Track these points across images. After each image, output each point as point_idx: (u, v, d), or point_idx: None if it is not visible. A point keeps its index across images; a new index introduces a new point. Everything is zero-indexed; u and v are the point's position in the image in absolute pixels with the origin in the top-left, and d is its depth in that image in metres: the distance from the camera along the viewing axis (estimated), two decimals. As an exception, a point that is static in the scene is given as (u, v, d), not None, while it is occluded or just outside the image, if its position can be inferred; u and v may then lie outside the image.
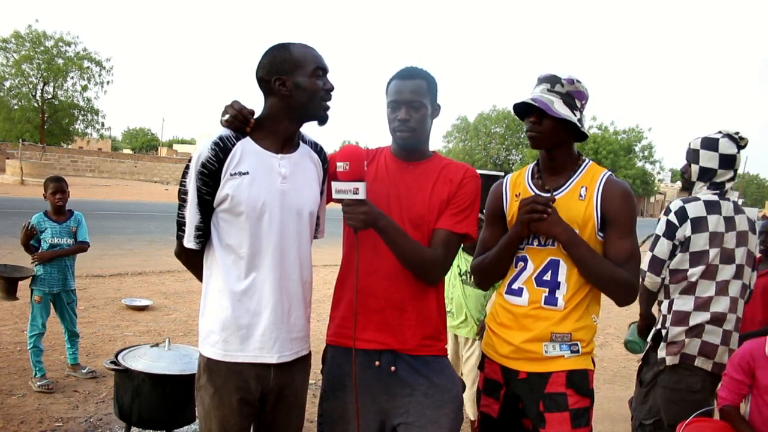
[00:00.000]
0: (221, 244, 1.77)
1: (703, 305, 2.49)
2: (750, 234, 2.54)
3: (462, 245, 2.27)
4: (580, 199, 1.87)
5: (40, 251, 3.98)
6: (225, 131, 1.77)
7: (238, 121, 1.77)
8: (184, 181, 1.76)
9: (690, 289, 2.50)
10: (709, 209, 2.48)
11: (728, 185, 2.57)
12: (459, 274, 3.39)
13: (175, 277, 7.90)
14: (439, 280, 1.91)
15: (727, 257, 2.49)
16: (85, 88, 34.16)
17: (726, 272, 2.50)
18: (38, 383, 3.85)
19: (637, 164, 48.64)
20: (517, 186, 2.01)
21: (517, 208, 1.90)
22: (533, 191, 1.95)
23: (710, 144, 2.55)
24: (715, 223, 2.47)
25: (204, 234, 1.77)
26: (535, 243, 1.90)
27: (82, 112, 35.11)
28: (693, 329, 2.50)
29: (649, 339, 2.63)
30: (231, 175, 1.72)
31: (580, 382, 1.85)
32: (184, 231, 1.77)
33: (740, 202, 2.71)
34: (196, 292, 6.12)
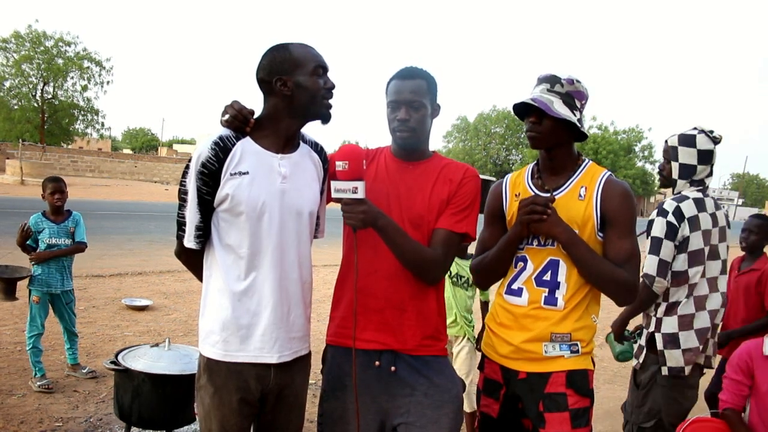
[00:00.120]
0: (221, 244, 1.77)
1: (701, 305, 2.51)
2: (727, 229, 2.60)
3: None
4: (579, 199, 1.87)
5: (37, 251, 3.98)
6: (225, 131, 1.77)
7: (238, 121, 1.77)
8: (184, 181, 1.76)
9: (691, 290, 2.50)
10: (699, 207, 2.50)
11: (707, 181, 2.61)
12: (449, 276, 3.40)
13: (175, 277, 7.90)
14: (439, 280, 1.91)
15: (714, 253, 2.53)
16: (85, 88, 34.15)
17: (714, 269, 2.54)
18: (38, 383, 3.85)
19: (637, 164, 48.67)
20: (517, 186, 2.01)
21: (516, 208, 1.90)
22: (533, 191, 1.95)
23: (688, 140, 2.58)
24: (704, 220, 2.50)
25: (204, 234, 1.77)
26: (535, 243, 1.90)
27: (82, 112, 35.08)
28: (699, 332, 2.50)
29: (642, 343, 2.61)
30: (231, 174, 1.72)
31: (580, 382, 1.85)
32: (184, 231, 1.77)
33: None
34: (196, 292, 6.11)
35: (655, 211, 2.54)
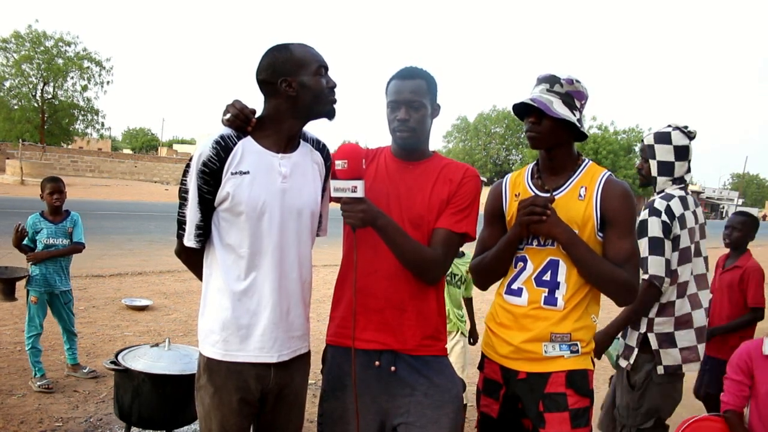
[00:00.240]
0: (221, 244, 1.77)
1: (696, 303, 2.54)
2: (704, 226, 2.64)
3: None
4: (579, 199, 1.87)
5: (35, 251, 3.98)
6: (226, 130, 1.77)
7: (240, 120, 1.77)
8: (185, 180, 1.76)
9: (682, 289, 2.52)
10: (684, 205, 2.53)
11: (687, 178, 2.64)
12: None
13: (175, 277, 7.90)
14: (438, 280, 1.91)
15: (698, 251, 2.57)
16: (85, 88, 34.14)
17: (701, 266, 2.57)
18: (38, 383, 3.85)
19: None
20: (517, 186, 2.01)
21: (516, 208, 1.90)
22: (533, 191, 1.95)
23: (663, 138, 2.61)
24: (690, 218, 2.53)
25: (204, 233, 1.77)
26: (535, 243, 1.90)
27: (82, 112, 35.06)
28: (698, 330, 2.52)
29: (632, 343, 2.60)
30: (232, 174, 1.72)
31: (580, 382, 1.85)
32: (184, 230, 1.77)
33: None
34: (196, 292, 6.11)
35: (646, 211, 2.55)
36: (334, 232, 2.03)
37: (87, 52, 33.91)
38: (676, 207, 2.49)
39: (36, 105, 33.03)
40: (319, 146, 1.94)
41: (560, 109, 1.84)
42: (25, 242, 3.96)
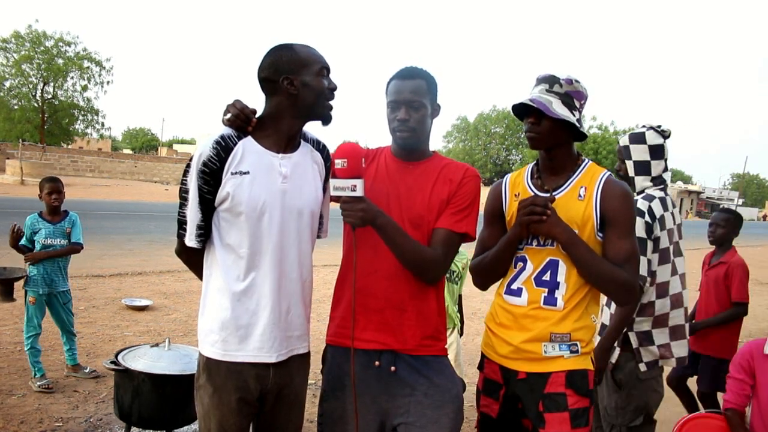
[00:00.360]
0: (222, 244, 1.77)
1: (678, 302, 2.58)
2: (681, 226, 2.68)
3: None
4: (579, 199, 1.87)
5: (33, 252, 3.97)
6: (227, 130, 1.77)
7: (240, 120, 1.77)
8: (186, 180, 1.76)
9: (662, 289, 2.55)
10: (664, 206, 2.55)
11: (665, 176, 2.67)
12: None
13: (175, 277, 7.90)
14: (438, 280, 1.91)
15: (678, 251, 2.61)
16: (85, 88, 34.15)
17: (682, 265, 2.61)
18: (38, 383, 3.85)
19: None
20: (517, 186, 2.01)
21: (516, 208, 1.90)
22: (532, 191, 1.95)
23: (637, 138, 2.66)
24: (668, 219, 2.56)
25: (205, 233, 1.77)
26: (535, 243, 1.90)
27: (82, 112, 35.06)
28: (673, 329, 2.58)
29: (615, 343, 2.61)
30: (232, 174, 1.72)
31: (580, 382, 1.85)
32: (185, 229, 1.77)
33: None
34: (196, 292, 6.10)
35: None
36: (334, 232, 2.03)
37: (87, 52, 33.96)
38: (657, 208, 2.52)
39: (36, 105, 33.04)
40: (319, 147, 1.94)
41: (559, 109, 1.84)
42: (23, 242, 3.95)
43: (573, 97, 1.88)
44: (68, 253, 4.10)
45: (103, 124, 37.03)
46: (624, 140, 2.70)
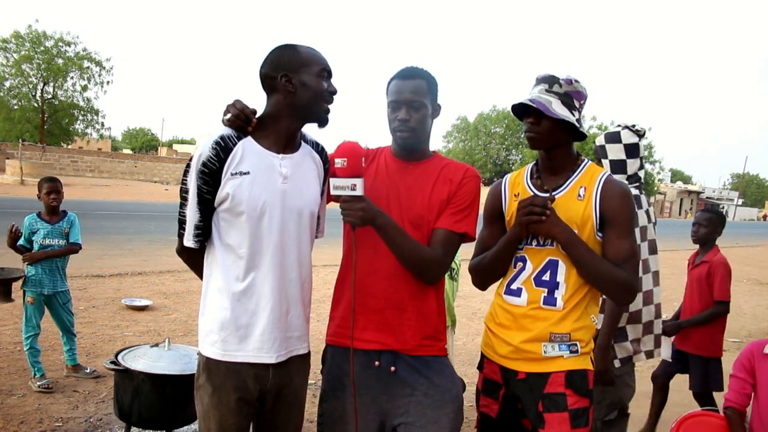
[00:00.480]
0: (221, 244, 1.77)
1: (648, 300, 2.64)
2: (655, 225, 2.73)
3: None
4: (578, 199, 1.87)
5: (31, 252, 3.96)
6: (226, 130, 1.77)
7: (240, 121, 1.77)
8: (186, 180, 1.76)
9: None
10: (638, 204, 2.58)
11: (640, 174, 2.71)
12: None
13: (175, 277, 7.90)
14: (438, 280, 1.91)
15: (653, 248, 2.66)
16: (85, 88, 34.09)
17: (655, 262, 2.66)
18: (38, 383, 3.85)
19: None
20: (516, 186, 2.01)
21: (515, 208, 1.90)
22: (532, 191, 1.95)
23: (613, 137, 2.71)
24: (642, 217, 2.60)
25: (203, 233, 1.77)
26: (534, 243, 1.90)
27: (82, 112, 35.01)
28: (646, 326, 2.65)
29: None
30: (232, 174, 1.72)
31: (580, 382, 1.86)
32: (185, 229, 1.77)
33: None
34: (196, 292, 6.09)
35: None
36: (334, 232, 2.03)
37: (87, 52, 33.89)
38: None
39: (36, 105, 33.00)
40: (318, 148, 1.95)
41: (559, 109, 1.84)
42: (21, 242, 3.94)
43: (572, 97, 1.88)
44: (66, 254, 4.10)
45: (103, 124, 36.99)
46: (600, 140, 2.76)
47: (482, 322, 2.20)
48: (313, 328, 2.17)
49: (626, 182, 2.65)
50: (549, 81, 1.88)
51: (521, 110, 1.92)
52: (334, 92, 1.82)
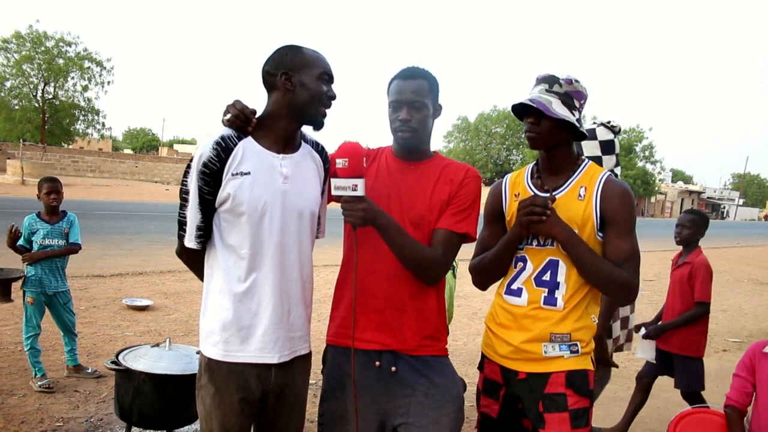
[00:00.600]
0: (223, 244, 1.77)
1: None
2: None
3: None
4: (579, 199, 1.87)
5: (31, 252, 3.96)
6: (227, 131, 1.77)
7: (240, 121, 1.77)
8: (186, 181, 1.77)
9: None
10: None
11: (616, 171, 2.71)
12: None
13: (176, 277, 7.90)
14: (438, 280, 1.91)
15: None
16: (85, 88, 34.12)
17: None
18: (38, 383, 3.85)
19: (637, 164, 48.61)
20: (517, 186, 2.01)
21: (516, 208, 1.90)
22: (532, 191, 1.95)
23: (589, 134, 2.72)
24: None
25: (205, 234, 1.77)
26: (535, 243, 1.90)
27: (83, 112, 35.05)
28: (622, 320, 2.72)
29: None
30: (233, 175, 1.72)
31: (580, 382, 1.85)
32: (185, 230, 1.77)
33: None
34: (197, 292, 6.11)
35: None
36: (334, 232, 2.03)
37: (88, 52, 33.93)
38: None
39: (37, 105, 33.03)
40: (318, 148, 1.95)
41: (559, 109, 1.84)
42: (20, 243, 3.94)
43: (573, 97, 1.88)
44: (66, 254, 4.10)
45: (103, 124, 37.02)
46: None
47: (482, 322, 2.21)
48: (314, 328, 2.17)
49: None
50: (549, 81, 1.88)
51: (521, 110, 1.92)
52: (333, 97, 1.82)
